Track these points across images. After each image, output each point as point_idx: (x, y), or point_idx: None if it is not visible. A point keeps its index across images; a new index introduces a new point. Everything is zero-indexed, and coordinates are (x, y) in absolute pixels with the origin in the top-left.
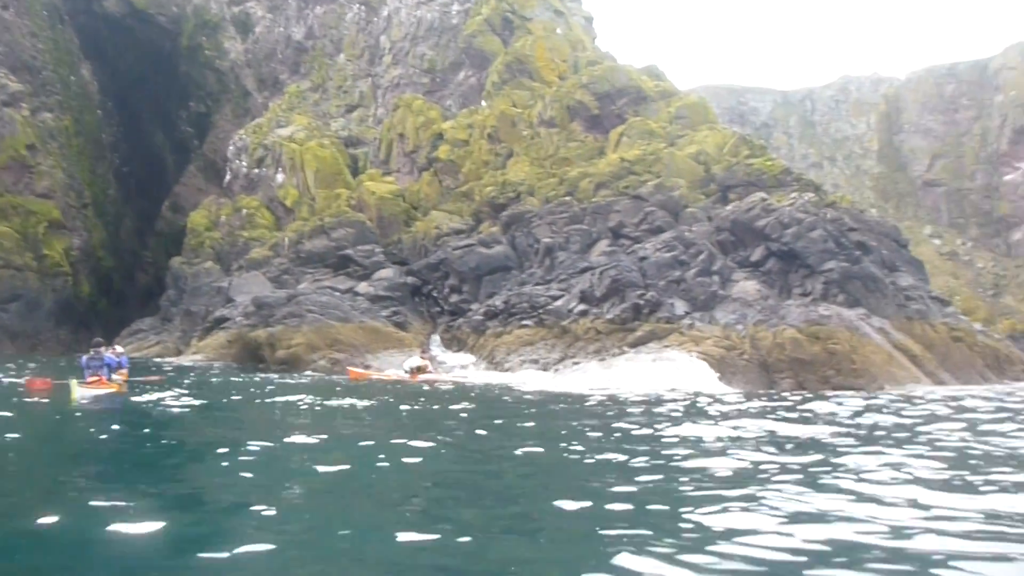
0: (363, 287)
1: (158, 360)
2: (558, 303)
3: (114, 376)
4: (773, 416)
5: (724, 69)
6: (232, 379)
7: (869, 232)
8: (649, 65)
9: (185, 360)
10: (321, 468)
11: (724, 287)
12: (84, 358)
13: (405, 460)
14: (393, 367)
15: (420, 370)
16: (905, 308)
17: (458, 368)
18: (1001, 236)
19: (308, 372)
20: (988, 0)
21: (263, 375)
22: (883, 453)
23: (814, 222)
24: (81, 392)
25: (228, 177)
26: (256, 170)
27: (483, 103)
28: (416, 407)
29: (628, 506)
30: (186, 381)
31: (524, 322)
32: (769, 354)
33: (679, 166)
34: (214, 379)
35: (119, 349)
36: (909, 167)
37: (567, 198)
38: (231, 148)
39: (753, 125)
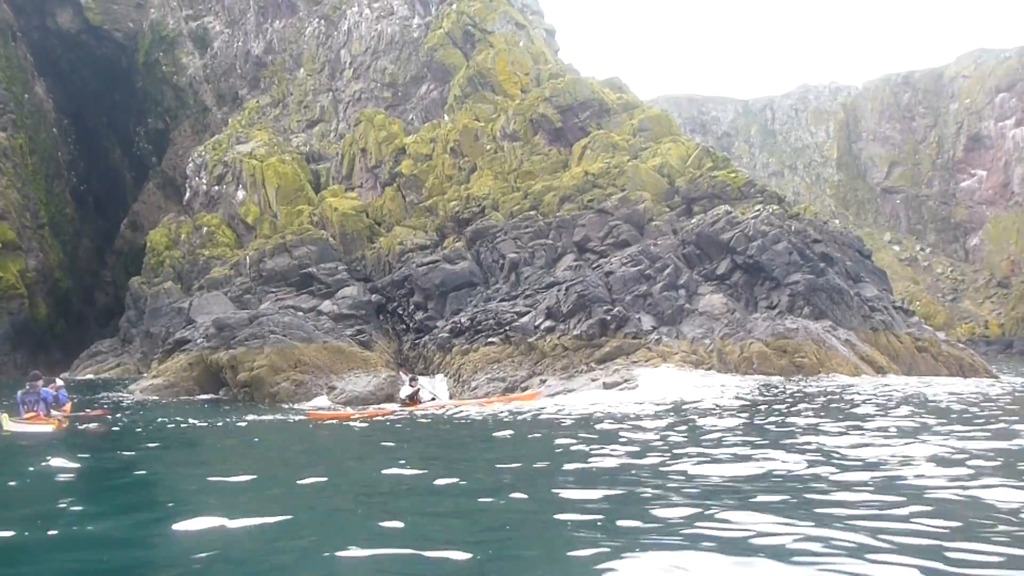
0: (327, 306)
1: (106, 395)
2: (524, 319)
3: (53, 412)
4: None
5: (685, 79)
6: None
7: (833, 243)
8: (611, 77)
9: (142, 386)
10: None
11: (690, 301)
12: (19, 393)
13: None
14: (360, 388)
15: (413, 398)
16: (870, 319)
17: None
18: (959, 241)
19: (271, 412)
20: (941, 10)
21: (212, 417)
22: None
23: (779, 234)
24: (13, 427)
25: (188, 194)
26: (216, 187)
27: (445, 117)
28: None
29: None
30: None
31: (490, 339)
32: (736, 368)
33: (643, 179)
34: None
35: (59, 383)
36: (868, 174)
37: (531, 212)
38: (190, 165)
39: (715, 135)
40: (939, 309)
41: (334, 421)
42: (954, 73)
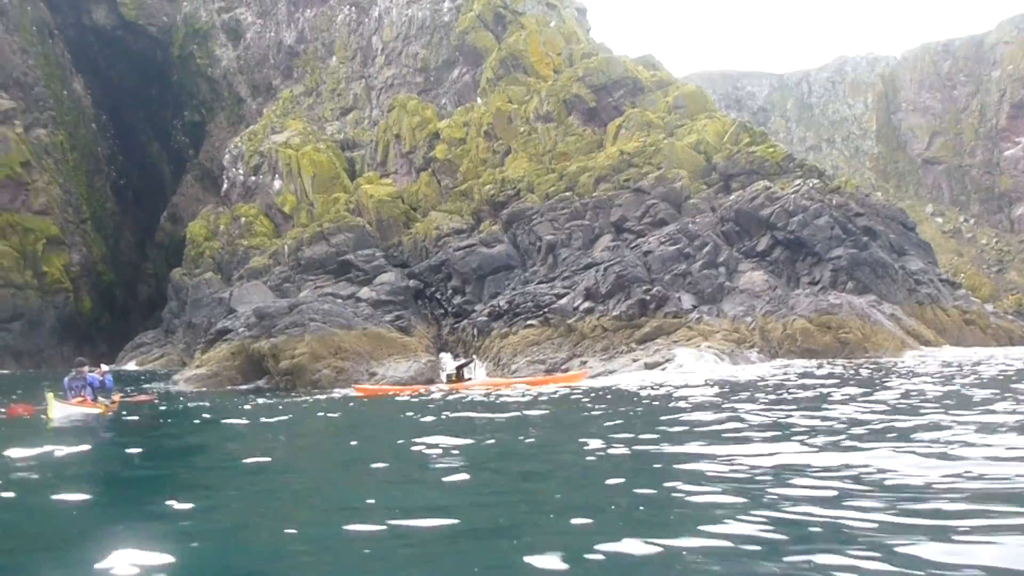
0: (365, 292)
1: (152, 384)
2: (563, 301)
3: (100, 398)
4: None
5: (719, 54)
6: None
7: (875, 216)
8: (644, 55)
9: (186, 376)
10: None
11: (731, 279)
12: (66, 379)
13: None
14: (400, 374)
15: (459, 375)
16: (916, 293)
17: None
18: (1003, 212)
19: (309, 395)
20: None
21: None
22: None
23: (819, 209)
24: (60, 410)
25: (225, 185)
26: (253, 177)
27: (478, 100)
28: None
29: None
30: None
31: (529, 322)
32: (780, 345)
33: (679, 156)
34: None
35: (104, 368)
36: (908, 146)
37: (567, 194)
38: (227, 156)
39: (750, 110)
40: (984, 281)
41: (384, 396)
42: (995, 40)
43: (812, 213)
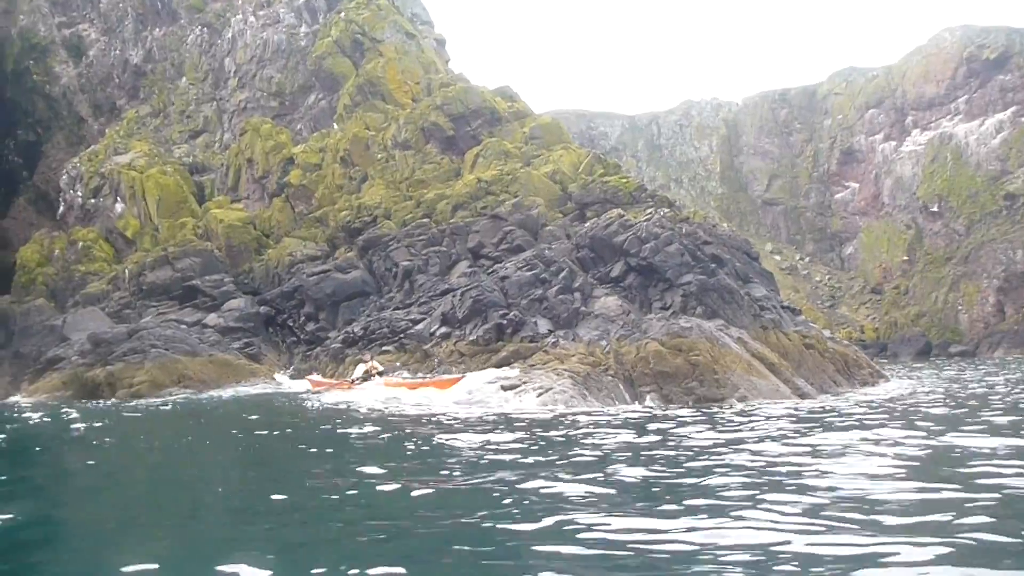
0: (212, 319)
1: None
2: (419, 327)
3: None
4: None
5: (573, 95)
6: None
7: (722, 246)
8: (502, 86)
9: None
10: None
11: (586, 304)
12: None
13: None
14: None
15: (367, 373)
16: (760, 318)
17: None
18: (835, 251)
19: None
20: (813, 29)
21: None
22: None
23: (670, 236)
24: None
25: (62, 209)
26: (92, 200)
27: (335, 126)
28: None
29: None
30: None
31: (385, 348)
32: (633, 368)
33: (536, 185)
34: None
35: None
36: (749, 187)
37: (424, 220)
38: (64, 178)
39: (603, 149)
40: (819, 316)
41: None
42: (827, 91)
43: (663, 240)
